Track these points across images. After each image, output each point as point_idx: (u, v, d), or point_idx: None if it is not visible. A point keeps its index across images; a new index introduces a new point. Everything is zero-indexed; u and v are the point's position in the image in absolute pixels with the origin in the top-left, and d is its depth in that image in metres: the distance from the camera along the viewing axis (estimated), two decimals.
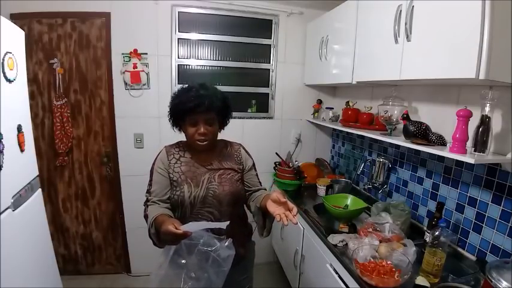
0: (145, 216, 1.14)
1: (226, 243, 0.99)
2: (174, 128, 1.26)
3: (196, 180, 1.18)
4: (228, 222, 1.02)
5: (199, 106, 1.11)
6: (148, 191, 1.20)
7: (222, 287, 1.00)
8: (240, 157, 1.30)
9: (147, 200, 1.17)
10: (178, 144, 1.28)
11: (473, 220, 1.35)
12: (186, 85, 1.22)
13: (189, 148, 1.25)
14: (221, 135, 1.31)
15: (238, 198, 1.24)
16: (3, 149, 1.20)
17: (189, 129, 1.17)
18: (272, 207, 1.02)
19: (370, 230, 1.44)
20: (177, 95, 1.20)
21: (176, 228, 0.91)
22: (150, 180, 1.20)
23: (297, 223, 0.94)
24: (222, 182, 1.19)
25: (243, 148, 1.35)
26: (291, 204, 0.99)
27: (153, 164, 1.23)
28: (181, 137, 1.29)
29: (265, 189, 1.35)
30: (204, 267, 0.98)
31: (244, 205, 1.33)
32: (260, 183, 1.34)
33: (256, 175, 1.34)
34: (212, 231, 1.03)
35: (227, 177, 1.21)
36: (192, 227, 0.97)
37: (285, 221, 0.93)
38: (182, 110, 1.15)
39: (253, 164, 1.34)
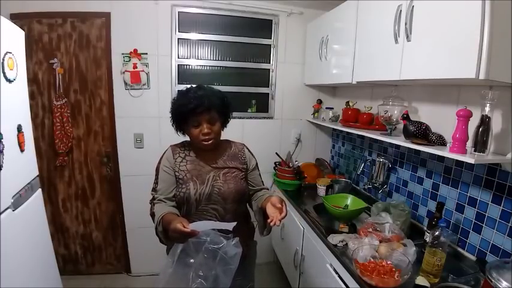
0: (152, 214, 1.15)
1: (233, 242, 1.00)
2: (178, 132, 1.27)
3: (201, 178, 1.20)
4: (234, 223, 1.05)
5: (199, 106, 1.13)
6: (154, 189, 1.21)
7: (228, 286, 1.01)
8: (244, 157, 1.32)
9: (153, 198, 1.19)
10: (184, 144, 1.29)
11: (473, 220, 1.35)
12: (184, 88, 1.23)
13: (194, 147, 1.27)
14: (221, 135, 1.32)
15: (243, 196, 1.26)
16: (3, 149, 1.20)
17: (193, 131, 1.18)
18: (269, 210, 1.08)
19: (370, 230, 1.44)
20: (176, 99, 1.22)
21: (184, 227, 0.93)
22: (156, 179, 1.22)
23: (278, 225, 1.04)
24: (227, 179, 1.22)
25: (247, 148, 1.37)
26: (282, 210, 1.05)
27: (159, 162, 1.24)
28: (181, 137, 1.30)
29: (268, 189, 1.38)
30: (211, 265, 0.98)
31: (247, 204, 1.35)
32: (263, 182, 1.38)
33: (259, 175, 1.37)
34: (219, 231, 1.04)
35: (232, 176, 1.24)
36: (199, 226, 0.98)
37: (272, 223, 1.01)
38: (184, 113, 1.16)
39: (257, 164, 1.37)
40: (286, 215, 1.05)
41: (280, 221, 1.02)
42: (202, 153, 1.25)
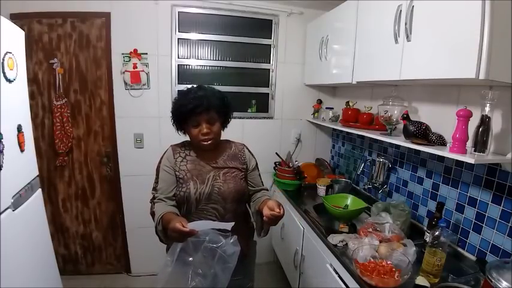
0: (152, 214, 1.17)
1: (231, 240, 1.01)
2: (179, 131, 1.28)
3: (201, 178, 1.20)
4: (233, 224, 1.06)
5: (198, 107, 1.14)
6: (154, 189, 1.22)
7: (227, 284, 1.02)
8: (244, 157, 1.32)
9: (154, 198, 1.20)
10: (184, 144, 1.30)
11: (473, 220, 1.35)
12: (185, 88, 1.25)
13: (194, 147, 1.28)
14: (221, 135, 1.32)
15: (242, 196, 1.26)
16: (3, 149, 1.20)
17: (192, 131, 1.19)
18: (266, 212, 1.09)
19: (370, 230, 1.44)
20: (177, 99, 1.24)
21: (183, 227, 0.95)
22: (157, 178, 1.23)
23: (266, 219, 1.08)
24: (226, 179, 1.22)
25: (247, 148, 1.38)
26: (280, 211, 1.07)
27: (159, 162, 1.26)
28: (181, 136, 1.30)
29: (267, 189, 1.39)
30: (210, 263, 1.00)
31: (247, 204, 1.35)
32: (262, 182, 1.38)
33: (259, 175, 1.38)
34: (217, 231, 1.05)
35: (231, 175, 1.24)
36: (198, 225, 0.99)
37: (265, 218, 1.08)
38: (183, 113, 1.18)
39: (257, 164, 1.37)
40: (283, 215, 1.08)
41: (276, 219, 1.06)
42: (203, 153, 1.26)
